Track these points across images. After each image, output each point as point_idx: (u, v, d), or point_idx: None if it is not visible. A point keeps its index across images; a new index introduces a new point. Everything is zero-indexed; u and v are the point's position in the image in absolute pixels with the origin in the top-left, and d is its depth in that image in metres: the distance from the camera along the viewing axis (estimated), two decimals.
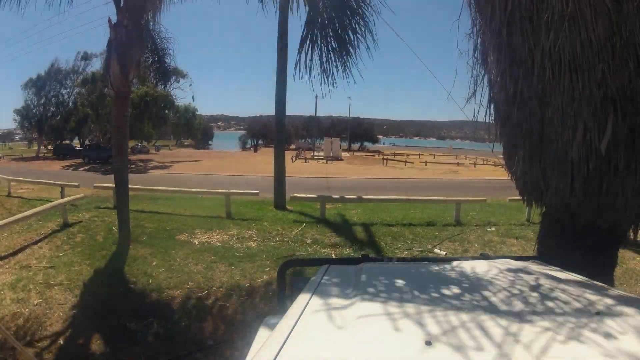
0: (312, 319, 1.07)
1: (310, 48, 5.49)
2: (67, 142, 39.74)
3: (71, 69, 35.73)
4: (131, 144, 29.55)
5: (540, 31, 2.22)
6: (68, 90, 36.30)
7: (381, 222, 8.22)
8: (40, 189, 12.44)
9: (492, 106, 2.75)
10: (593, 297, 1.23)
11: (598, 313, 1.06)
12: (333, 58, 5.78)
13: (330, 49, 5.76)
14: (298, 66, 5.37)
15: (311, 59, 5.50)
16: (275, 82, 10.22)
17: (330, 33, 5.76)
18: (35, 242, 6.43)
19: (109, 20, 5.99)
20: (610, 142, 2.12)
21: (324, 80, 5.68)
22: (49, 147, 39.35)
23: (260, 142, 59.87)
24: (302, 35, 5.54)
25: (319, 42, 5.68)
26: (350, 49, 5.95)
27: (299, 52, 5.43)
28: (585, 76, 2.11)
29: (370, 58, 6.31)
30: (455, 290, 1.32)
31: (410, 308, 1.12)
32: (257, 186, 11.33)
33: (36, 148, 39.84)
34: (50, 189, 11.66)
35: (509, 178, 2.84)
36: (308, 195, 9.88)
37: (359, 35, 5.82)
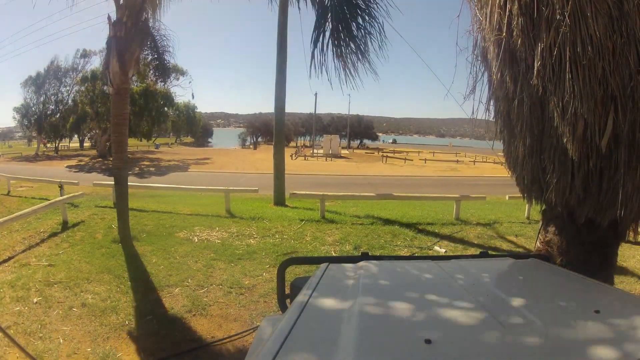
0: (311, 318, 1.06)
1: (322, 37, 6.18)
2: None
3: (71, 66, 35.55)
4: (132, 142, 29.46)
5: (540, 28, 2.21)
6: (67, 88, 36.15)
7: (381, 219, 8.21)
8: (40, 187, 12.43)
9: (491, 103, 2.74)
10: (593, 296, 1.23)
11: (597, 311, 1.06)
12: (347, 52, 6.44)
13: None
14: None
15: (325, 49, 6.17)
16: (275, 79, 10.21)
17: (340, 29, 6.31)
18: (35, 241, 6.43)
19: (109, 18, 5.98)
20: (611, 140, 2.11)
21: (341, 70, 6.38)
22: (48, 145, 39.28)
23: (259, 139, 59.89)
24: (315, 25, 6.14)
25: (327, 35, 6.19)
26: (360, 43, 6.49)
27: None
28: (586, 73, 2.10)
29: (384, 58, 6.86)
30: (455, 288, 1.32)
31: (410, 306, 1.12)
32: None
33: (36, 146, 39.78)
34: (49, 187, 11.64)
35: (509, 175, 2.84)
36: (308, 192, 9.86)
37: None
